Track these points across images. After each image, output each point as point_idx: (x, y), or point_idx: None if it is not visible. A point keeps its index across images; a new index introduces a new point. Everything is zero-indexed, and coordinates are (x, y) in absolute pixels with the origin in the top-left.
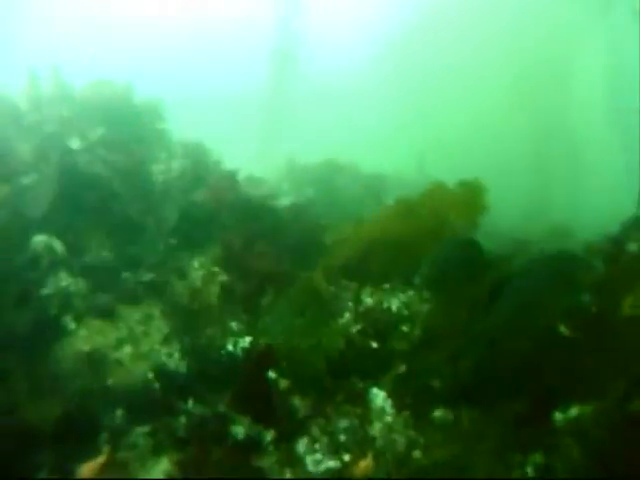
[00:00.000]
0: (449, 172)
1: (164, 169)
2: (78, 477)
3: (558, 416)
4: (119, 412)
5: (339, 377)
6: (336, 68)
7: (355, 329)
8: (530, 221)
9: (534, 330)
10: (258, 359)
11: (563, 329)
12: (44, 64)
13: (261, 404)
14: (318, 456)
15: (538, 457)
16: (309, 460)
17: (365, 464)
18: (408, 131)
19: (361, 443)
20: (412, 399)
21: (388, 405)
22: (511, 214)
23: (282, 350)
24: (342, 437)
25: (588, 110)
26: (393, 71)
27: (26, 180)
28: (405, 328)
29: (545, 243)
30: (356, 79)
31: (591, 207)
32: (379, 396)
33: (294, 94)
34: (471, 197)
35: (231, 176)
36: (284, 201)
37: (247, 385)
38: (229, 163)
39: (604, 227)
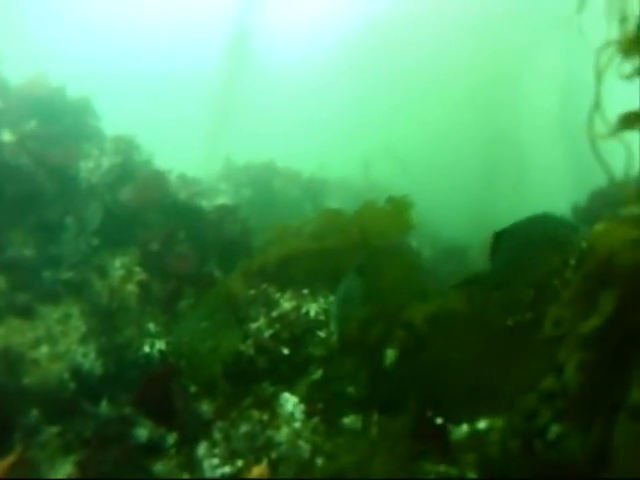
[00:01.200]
0: (396, 179)
1: (93, 166)
2: None
3: (462, 428)
4: (34, 412)
5: (247, 382)
6: (288, 67)
7: (268, 333)
8: (474, 230)
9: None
10: (160, 373)
11: None
12: None
13: (163, 407)
14: (215, 461)
15: (441, 467)
16: (206, 465)
17: (259, 471)
18: (357, 135)
19: (261, 449)
20: (325, 405)
21: (299, 411)
22: (456, 224)
23: (184, 353)
24: (240, 443)
25: (538, 126)
26: (345, 73)
27: None
28: (322, 334)
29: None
30: (307, 79)
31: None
32: (290, 401)
33: (244, 89)
34: (397, 214)
35: (159, 175)
36: (217, 201)
37: (149, 388)
38: (164, 161)
39: None
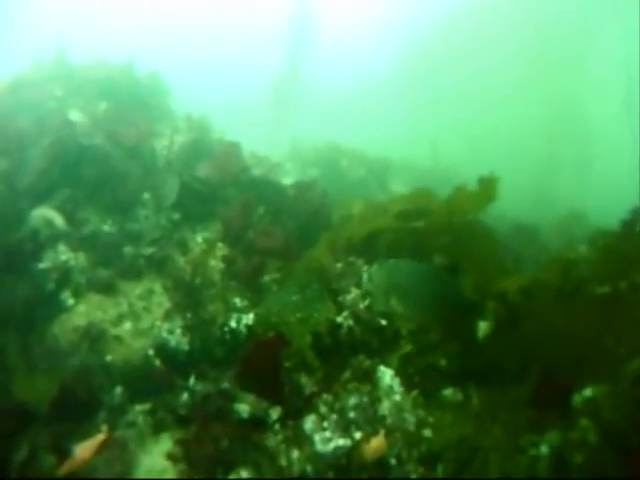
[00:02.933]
0: (460, 159)
1: (167, 144)
2: (75, 456)
3: (574, 397)
4: (118, 390)
5: (343, 355)
6: (359, 64)
7: (363, 305)
8: (540, 205)
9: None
10: (268, 340)
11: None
12: (48, 43)
13: (267, 381)
14: (327, 434)
15: (553, 437)
16: (317, 438)
17: (377, 442)
18: (422, 116)
19: (371, 421)
20: (420, 378)
21: (396, 384)
22: (521, 200)
23: (273, 324)
24: (352, 414)
25: (602, 99)
26: (412, 55)
27: (25, 154)
28: None
29: (557, 227)
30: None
31: (602, 195)
32: (387, 374)
33: (309, 74)
34: (484, 191)
35: (236, 148)
36: (288, 179)
37: (254, 361)
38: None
39: (615, 214)
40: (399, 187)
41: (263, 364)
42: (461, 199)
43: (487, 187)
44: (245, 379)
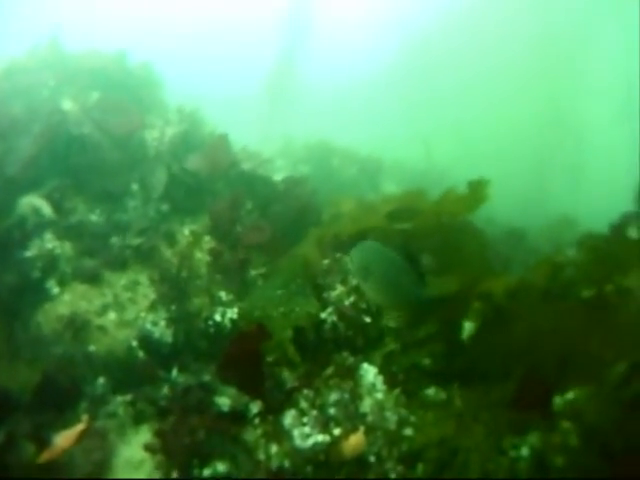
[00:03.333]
0: (454, 160)
1: (158, 136)
2: (54, 445)
3: (556, 400)
4: (100, 380)
5: (327, 351)
6: (353, 62)
7: (348, 301)
8: (530, 209)
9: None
10: (250, 332)
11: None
12: (42, 30)
13: (248, 374)
14: (306, 430)
15: (534, 439)
16: (296, 433)
17: (356, 439)
18: (414, 116)
19: (352, 418)
20: (403, 376)
21: (379, 381)
22: (513, 204)
23: (255, 318)
24: (332, 411)
25: (598, 104)
26: (407, 55)
27: (16, 141)
28: None
29: (547, 232)
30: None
31: (594, 201)
32: (370, 372)
33: (302, 72)
34: (474, 193)
35: (225, 141)
36: (279, 175)
37: (235, 354)
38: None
39: (607, 220)
40: (391, 188)
41: (244, 357)
42: (451, 201)
43: (477, 190)
44: (226, 372)
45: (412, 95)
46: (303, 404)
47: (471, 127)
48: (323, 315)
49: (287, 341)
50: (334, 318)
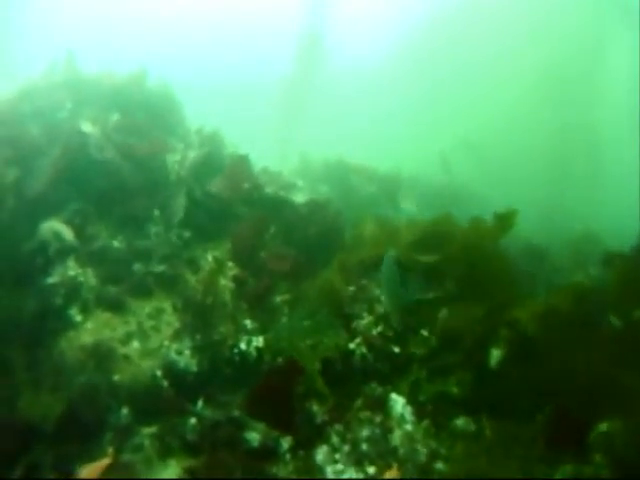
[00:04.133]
0: (472, 175)
1: (180, 159)
2: (79, 478)
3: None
4: (125, 411)
5: (355, 381)
6: (359, 63)
7: (376, 331)
8: (550, 222)
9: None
10: (281, 367)
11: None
12: (60, 51)
13: (278, 409)
14: (339, 466)
15: (567, 470)
16: (329, 470)
17: (391, 476)
18: (431, 129)
19: (384, 454)
20: (431, 406)
21: (408, 412)
22: (532, 217)
23: (283, 349)
24: (364, 446)
25: (613, 110)
26: (415, 67)
27: (36, 164)
28: (424, 332)
29: (570, 248)
30: (379, 74)
31: (612, 211)
32: (399, 402)
33: (316, 87)
34: (501, 225)
35: (246, 162)
36: (300, 196)
37: (265, 389)
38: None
39: (628, 235)
40: (410, 205)
41: (275, 392)
42: (477, 231)
43: (504, 220)
44: (255, 407)
45: (426, 103)
46: (334, 439)
47: (485, 138)
48: (352, 346)
49: (316, 374)
50: (363, 349)
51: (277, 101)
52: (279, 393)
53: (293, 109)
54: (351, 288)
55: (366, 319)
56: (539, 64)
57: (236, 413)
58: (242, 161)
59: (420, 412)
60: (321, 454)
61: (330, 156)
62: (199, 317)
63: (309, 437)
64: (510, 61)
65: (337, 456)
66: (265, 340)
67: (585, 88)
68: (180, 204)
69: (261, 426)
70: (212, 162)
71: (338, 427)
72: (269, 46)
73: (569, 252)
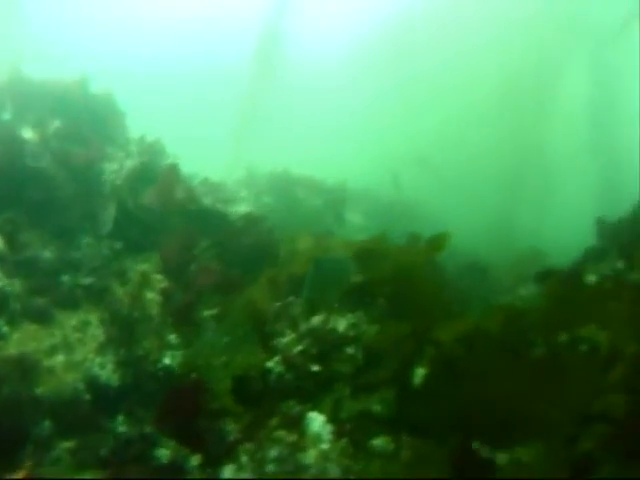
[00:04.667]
0: (420, 189)
1: (117, 168)
2: None
3: (502, 456)
4: (46, 423)
5: (274, 399)
6: (308, 76)
7: (297, 349)
8: (496, 241)
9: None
10: (185, 386)
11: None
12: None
13: (186, 427)
14: None
15: None
16: None
17: None
18: (378, 142)
19: (291, 473)
20: (353, 425)
21: (326, 431)
22: (480, 233)
23: (197, 367)
24: (269, 467)
25: (567, 132)
26: (366, 81)
27: None
28: (350, 350)
29: (512, 266)
30: (327, 91)
31: (561, 226)
32: (317, 421)
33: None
34: (433, 246)
35: (177, 172)
36: (240, 208)
37: (171, 408)
38: (188, 165)
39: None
40: (357, 218)
41: (181, 410)
42: (409, 253)
43: (436, 243)
44: (164, 425)
45: (373, 118)
46: (243, 458)
47: (437, 153)
48: (270, 364)
49: (226, 392)
50: (281, 368)
51: (229, 108)
52: (186, 412)
53: (244, 116)
54: (277, 304)
55: (288, 337)
56: (494, 77)
57: (149, 429)
58: (173, 171)
59: (340, 430)
60: (227, 472)
61: (275, 167)
62: (124, 331)
63: (218, 455)
64: (465, 72)
65: (243, 475)
66: (183, 356)
67: (538, 105)
68: (110, 215)
69: (172, 443)
70: (149, 172)
71: (249, 446)
72: (228, 45)
73: (512, 268)
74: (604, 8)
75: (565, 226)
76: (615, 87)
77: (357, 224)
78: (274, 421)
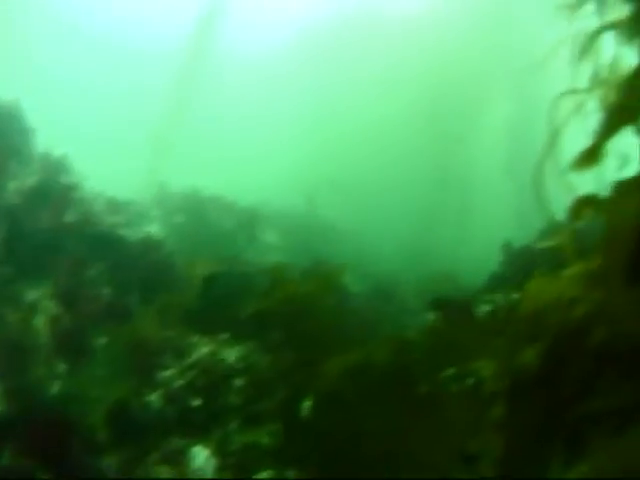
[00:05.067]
0: (335, 208)
1: (17, 186)
2: None
3: None
4: None
5: (156, 434)
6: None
7: (179, 383)
8: (411, 263)
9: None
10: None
11: None
12: None
13: (55, 460)
14: None
15: None
16: None
17: None
18: (295, 161)
19: None
20: (238, 458)
21: (210, 465)
22: (394, 256)
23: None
24: None
25: (487, 156)
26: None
27: None
28: (239, 382)
29: (422, 288)
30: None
31: (476, 252)
32: (200, 455)
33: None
34: (328, 282)
35: (79, 197)
36: (147, 228)
37: (34, 443)
38: (96, 181)
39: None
40: (272, 238)
41: (46, 446)
42: (307, 285)
43: (331, 278)
44: (28, 459)
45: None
46: None
47: (353, 175)
48: (151, 397)
49: (99, 427)
50: (161, 401)
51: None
52: (52, 448)
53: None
54: (165, 334)
55: (170, 370)
56: (416, 98)
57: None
58: (69, 192)
59: (225, 464)
60: None
61: (189, 185)
62: (12, 359)
63: None
64: (386, 93)
65: None
66: (62, 387)
67: (460, 128)
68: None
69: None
70: (49, 191)
71: None
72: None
73: (421, 292)
74: (528, 36)
75: (482, 248)
76: (535, 113)
77: (271, 244)
78: (154, 456)
